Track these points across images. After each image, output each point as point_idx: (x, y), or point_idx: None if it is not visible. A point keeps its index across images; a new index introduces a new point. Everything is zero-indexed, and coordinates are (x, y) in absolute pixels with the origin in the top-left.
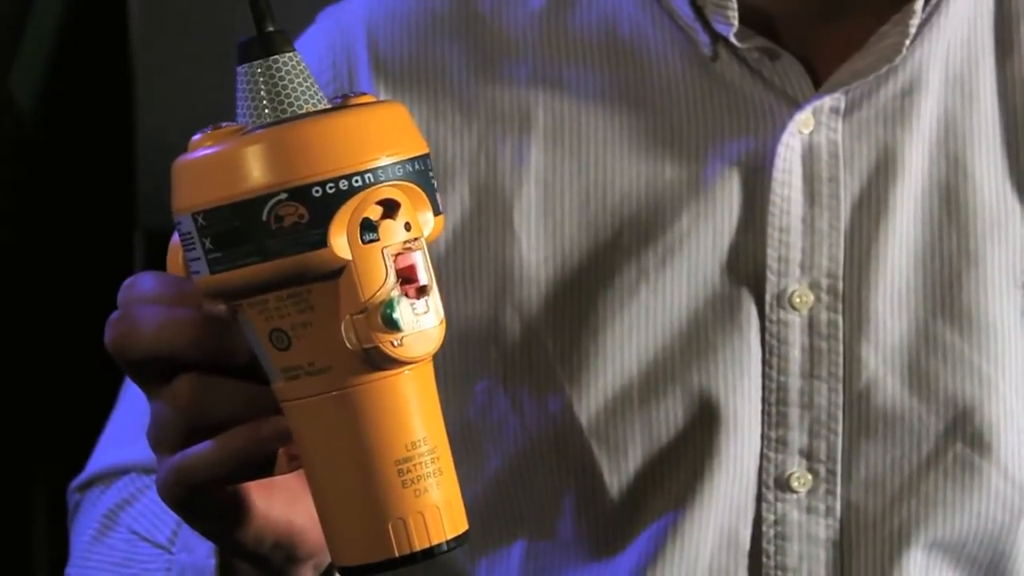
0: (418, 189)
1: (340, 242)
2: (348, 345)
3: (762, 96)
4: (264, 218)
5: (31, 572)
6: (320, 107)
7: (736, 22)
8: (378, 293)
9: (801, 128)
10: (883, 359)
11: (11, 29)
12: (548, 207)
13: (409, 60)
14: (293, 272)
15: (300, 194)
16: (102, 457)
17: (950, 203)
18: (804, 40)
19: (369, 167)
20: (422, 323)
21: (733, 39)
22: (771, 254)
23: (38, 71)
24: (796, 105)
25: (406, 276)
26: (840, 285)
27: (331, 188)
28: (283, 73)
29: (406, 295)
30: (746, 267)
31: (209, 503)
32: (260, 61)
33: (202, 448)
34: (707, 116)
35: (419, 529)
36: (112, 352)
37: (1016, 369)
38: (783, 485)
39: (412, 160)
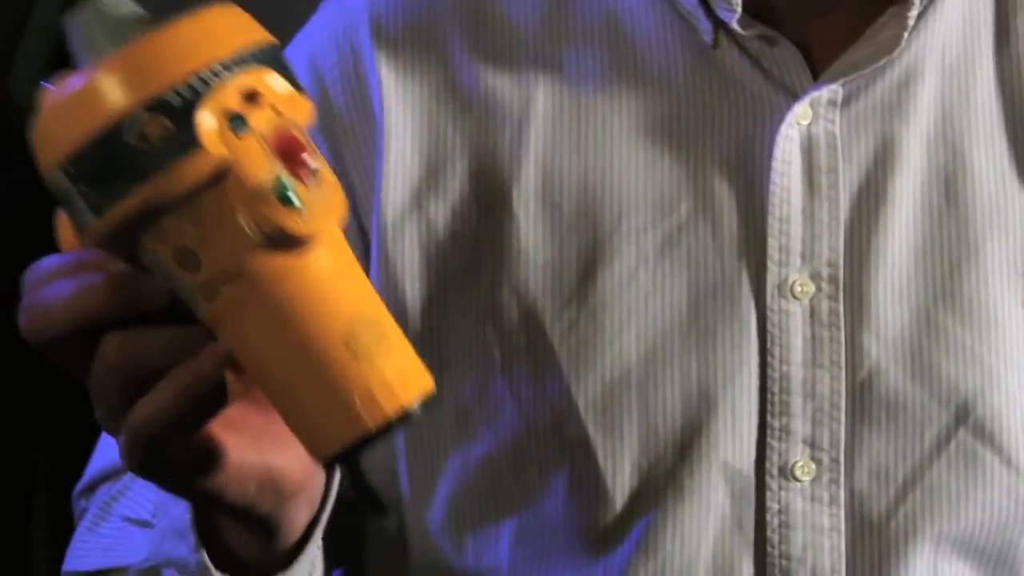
0: (275, 74)
1: (212, 140)
2: (253, 237)
3: (760, 86)
4: (130, 141)
5: (31, 572)
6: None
7: (739, 8)
8: (264, 177)
9: (799, 119)
10: (885, 348)
11: (11, 29)
12: (547, 191)
13: (412, 43)
14: (176, 185)
15: (158, 106)
16: (101, 457)
17: (949, 192)
18: (803, 29)
19: (218, 61)
20: (317, 194)
21: (735, 26)
22: (772, 244)
23: (38, 71)
24: (794, 96)
25: (287, 154)
26: (840, 275)
27: (186, 91)
28: (110, 8)
29: (292, 172)
30: (746, 256)
31: (178, 460)
32: (85, 5)
33: (149, 398)
34: (706, 104)
35: (387, 396)
36: (30, 340)
37: (1019, 358)
38: (787, 474)
39: (261, 49)
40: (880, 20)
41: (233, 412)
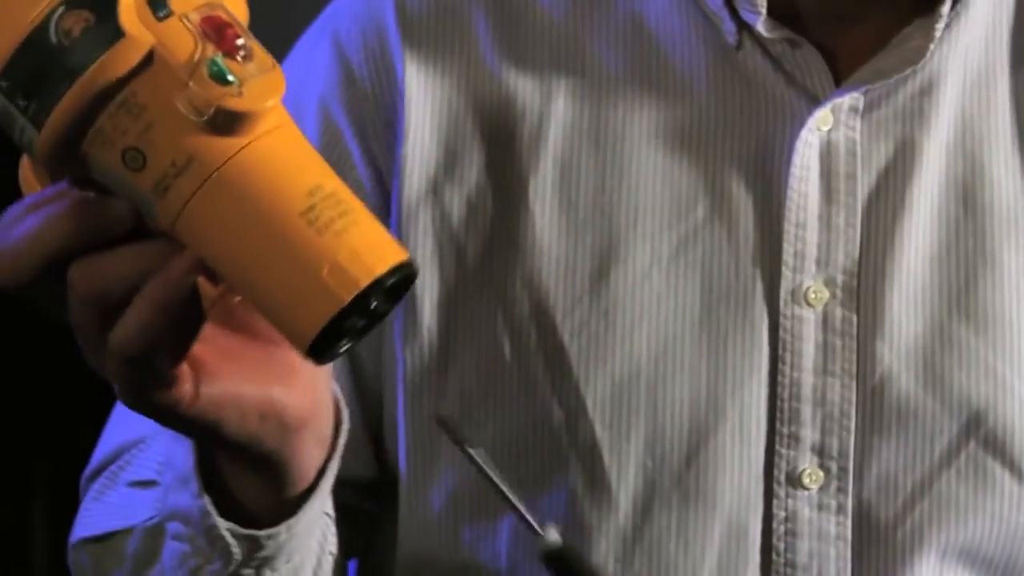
0: None
1: (136, 27)
2: (194, 121)
3: (783, 90)
4: (54, 40)
5: (31, 572)
6: None
7: (764, 11)
8: (196, 58)
9: (820, 125)
10: (897, 357)
11: None
12: (564, 186)
13: (436, 29)
14: (106, 76)
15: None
16: (108, 443)
17: (967, 202)
18: (828, 35)
19: None
20: (253, 69)
21: (760, 28)
22: (787, 249)
23: None
24: (816, 101)
25: (215, 33)
26: (855, 282)
27: None
28: None
29: (223, 51)
30: (761, 261)
31: (168, 384)
32: None
33: (124, 318)
34: (727, 106)
35: (357, 265)
36: (7, 287)
37: None
38: (794, 481)
39: None
40: (906, 30)
41: (229, 342)
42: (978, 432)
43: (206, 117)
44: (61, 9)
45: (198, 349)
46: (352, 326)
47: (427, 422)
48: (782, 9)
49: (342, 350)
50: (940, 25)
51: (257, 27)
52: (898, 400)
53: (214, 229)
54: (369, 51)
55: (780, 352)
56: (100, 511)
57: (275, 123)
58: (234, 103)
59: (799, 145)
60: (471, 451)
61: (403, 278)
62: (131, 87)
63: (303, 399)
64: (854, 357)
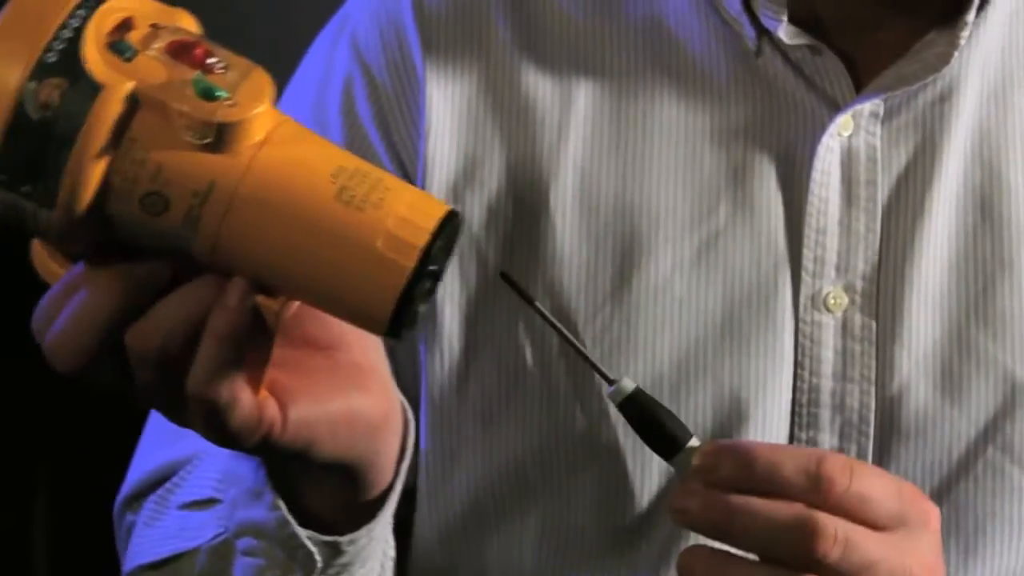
0: None
1: (109, 75)
2: (199, 144)
3: (803, 96)
4: (37, 116)
5: (31, 572)
6: None
7: (785, 18)
8: (177, 84)
9: (841, 131)
10: (916, 363)
11: None
12: (584, 192)
13: (455, 32)
14: (100, 130)
15: (41, 71)
16: (140, 467)
17: (984, 210)
18: (849, 41)
19: (74, 6)
20: (235, 77)
21: (781, 35)
22: (807, 255)
23: None
24: (836, 107)
25: (185, 55)
26: (875, 288)
27: (59, 44)
28: None
29: (201, 69)
30: (781, 266)
31: (256, 418)
32: None
33: (197, 360)
34: (747, 111)
35: (408, 229)
36: (74, 376)
37: None
38: None
39: None
40: (928, 36)
41: (295, 359)
42: (996, 438)
43: (210, 137)
44: (32, 84)
45: (271, 373)
46: (420, 290)
47: (448, 427)
48: (803, 15)
49: (418, 320)
50: (965, 33)
51: (258, 27)
52: (916, 406)
53: (256, 242)
54: (389, 53)
55: (799, 357)
56: (156, 536)
57: (276, 121)
58: (232, 114)
59: (820, 151)
60: (538, 304)
61: (453, 228)
62: (128, 134)
63: (379, 397)
64: (873, 363)
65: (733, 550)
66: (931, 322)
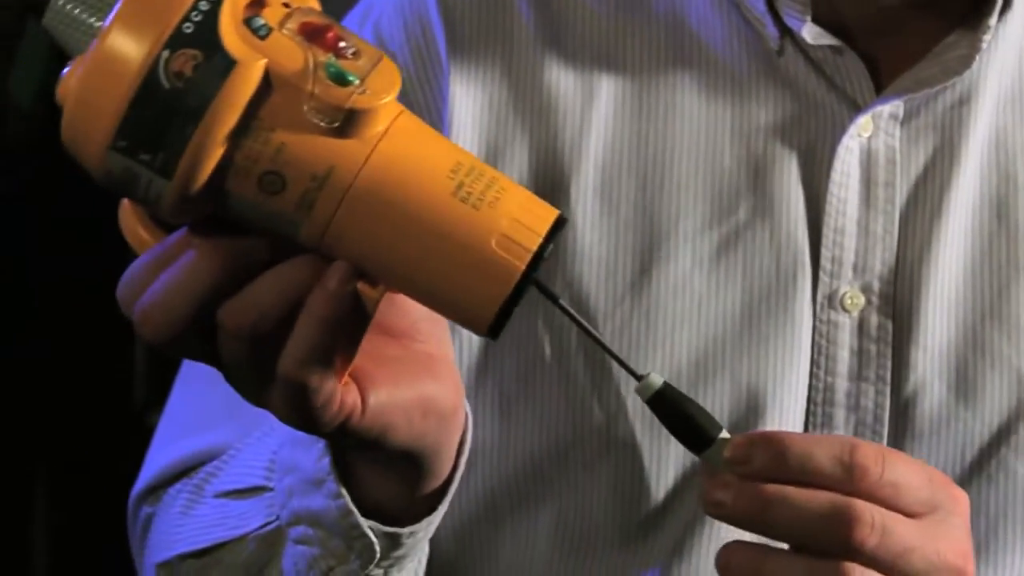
0: None
1: (244, 51)
2: (327, 128)
3: (824, 96)
4: (168, 85)
5: (31, 572)
6: None
7: (809, 18)
8: (311, 66)
9: (861, 132)
10: (931, 364)
11: (11, 29)
12: (605, 188)
13: (479, 25)
14: (232, 106)
15: (177, 41)
16: (156, 462)
17: (1000, 213)
18: (871, 43)
19: None
20: (367, 63)
21: (804, 35)
22: (825, 254)
23: (38, 71)
24: (857, 108)
25: (318, 37)
26: (891, 289)
27: (196, 16)
28: None
29: (333, 52)
30: (800, 265)
31: (339, 402)
32: (49, 5)
33: (293, 341)
34: (768, 110)
35: (520, 231)
36: (161, 346)
37: None
38: None
39: None
40: (949, 39)
41: (374, 346)
42: (1009, 440)
43: (337, 122)
44: (166, 53)
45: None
46: (522, 292)
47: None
48: (826, 16)
49: (509, 316)
50: (987, 37)
51: None
52: (930, 407)
53: (367, 231)
54: (413, 42)
55: (815, 356)
56: (196, 525)
57: (398, 110)
58: (362, 101)
59: (840, 151)
60: (563, 303)
61: (557, 232)
62: (258, 112)
63: (450, 386)
64: (888, 364)
65: (769, 542)
66: (947, 324)
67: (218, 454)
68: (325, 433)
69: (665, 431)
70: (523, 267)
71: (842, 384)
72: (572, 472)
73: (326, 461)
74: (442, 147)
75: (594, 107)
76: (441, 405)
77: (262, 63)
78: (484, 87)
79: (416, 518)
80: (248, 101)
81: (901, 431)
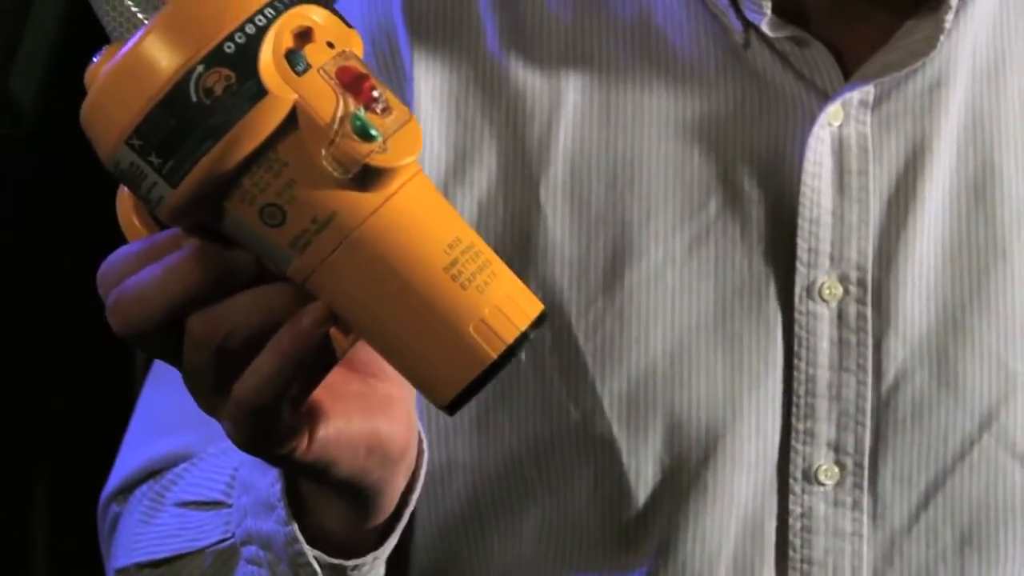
0: (319, 8)
1: (278, 83)
2: (339, 177)
3: (792, 87)
4: (195, 99)
5: (31, 572)
6: None
7: (769, 11)
8: (338, 113)
9: (831, 121)
10: (912, 352)
11: (11, 29)
12: (575, 186)
13: (443, 27)
14: (252, 135)
15: (215, 58)
16: (128, 462)
17: (978, 196)
18: (835, 31)
19: (265, 3)
20: (393, 122)
21: (765, 28)
22: (801, 245)
23: (38, 71)
24: (825, 97)
25: (353, 86)
26: (869, 278)
27: (240, 38)
28: None
29: (363, 104)
30: (775, 258)
31: (288, 430)
32: None
33: (253, 368)
34: (737, 103)
35: (501, 322)
36: (125, 337)
37: None
38: (810, 478)
39: None
40: (911, 22)
41: (333, 379)
42: (991, 428)
43: (351, 175)
44: (201, 68)
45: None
46: (489, 378)
47: (443, 429)
48: (790, 7)
49: (469, 398)
50: (949, 16)
51: None
52: (913, 395)
53: (353, 283)
54: (377, 47)
55: (795, 348)
56: (155, 534)
57: (413, 171)
58: (380, 160)
59: (811, 141)
60: None
61: (538, 326)
62: (275, 145)
63: (403, 429)
64: (869, 353)
65: None
66: (926, 311)
67: (186, 457)
68: (268, 459)
69: (642, 426)
70: (495, 356)
71: (823, 375)
72: (553, 474)
73: (278, 487)
74: (445, 218)
75: (562, 107)
76: (388, 447)
77: (291, 99)
78: (449, 90)
79: (364, 550)
80: (269, 134)
81: (884, 420)
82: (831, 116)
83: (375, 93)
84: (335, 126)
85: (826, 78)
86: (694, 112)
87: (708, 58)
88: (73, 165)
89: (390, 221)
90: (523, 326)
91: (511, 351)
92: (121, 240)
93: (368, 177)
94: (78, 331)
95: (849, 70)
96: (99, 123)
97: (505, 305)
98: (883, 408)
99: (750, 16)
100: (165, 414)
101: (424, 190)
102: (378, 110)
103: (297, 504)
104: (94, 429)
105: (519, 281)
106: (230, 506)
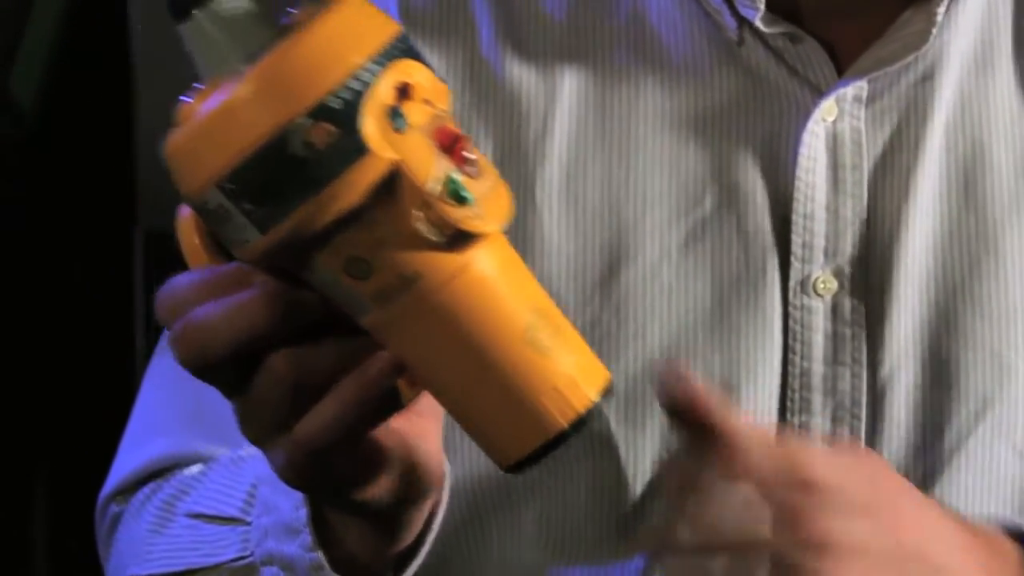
0: (416, 63)
1: (379, 142)
2: (432, 240)
3: (786, 82)
4: (296, 151)
5: (31, 572)
6: (283, 28)
7: (762, 7)
8: (435, 175)
9: (825, 116)
10: (906, 346)
11: (11, 29)
12: (571, 184)
13: (440, 21)
14: (349, 193)
15: (321, 112)
16: (126, 462)
17: (968, 189)
18: (828, 27)
19: (370, 57)
20: (484, 186)
21: (759, 24)
22: (795, 240)
23: (38, 71)
24: (819, 92)
25: (449, 147)
26: (863, 272)
27: (345, 93)
28: (233, 9)
29: (457, 166)
30: (770, 253)
31: (339, 468)
32: (201, 8)
33: (318, 412)
34: (732, 100)
35: (573, 391)
36: (190, 368)
37: None
38: None
39: (398, 38)
40: (904, 15)
41: None
42: (986, 419)
43: (442, 237)
44: (306, 121)
45: None
46: (556, 447)
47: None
48: (781, 3)
49: (535, 463)
50: (941, 9)
51: None
52: (907, 388)
53: (430, 341)
54: None
55: (790, 342)
56: (169, 546)
57: (500, 238)
58: (473, 225)
59: (805, 136)
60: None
61: (606, 397)
62: (371, 202)
63: (437, 462)
64: (863, 347)
65: None
66: (919, 305)
67: (186, 459)
68: (316, 496)
69: (639, 420)
70: (566, 426)
71: (818, 369)
72: (551, 468)
73: (303, 512)
74: (526, 285)
75: (557, 105)
76: (425, 479)
77: (392, 159)
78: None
79: (388, 571)
80: (367, 192)
81: (879, 413)
82: (825, 112)
83: (469, 155)
84: (432, 189)
85: (820, 74)
86: (689, 109)
87: (702, 55)
88: (72, 164)
89: (473, 285)
90: (595, 397)
91: (582, 421)
92: (118, 241)
93: (459, 240)
94: (78, 331)
95: (842, 65)
96: (190, 162)
97: (579, 374)
98: (878, 402)
99: (744, 12)
100: (164, 414)
101: (506, 253)
102: (472, 173)
103: (322, 529)
104: (94, 429)
105: (589, 349)
106: (248, 523)
